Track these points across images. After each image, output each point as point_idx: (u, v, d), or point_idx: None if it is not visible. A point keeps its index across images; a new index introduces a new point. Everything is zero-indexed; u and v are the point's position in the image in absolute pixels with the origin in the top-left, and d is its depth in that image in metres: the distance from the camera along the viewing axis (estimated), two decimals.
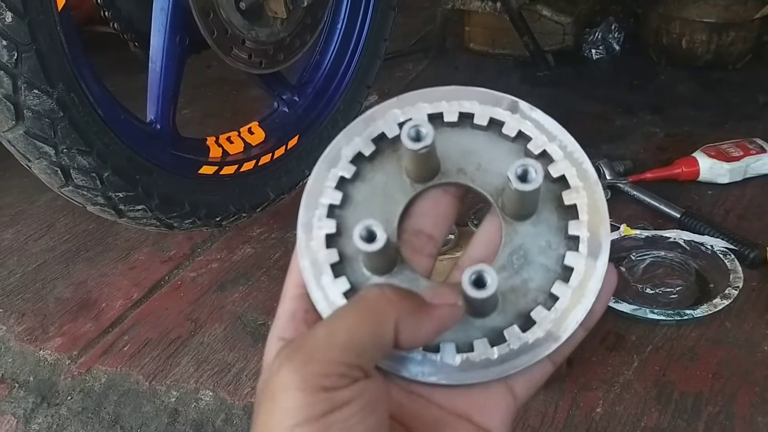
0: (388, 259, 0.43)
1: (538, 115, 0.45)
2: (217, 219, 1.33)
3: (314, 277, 0.43)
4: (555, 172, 0.44)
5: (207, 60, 1.59)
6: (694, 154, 1.53)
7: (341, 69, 1.54)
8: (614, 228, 1.32)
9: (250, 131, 1.43)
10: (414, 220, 0.45)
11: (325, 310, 0.43)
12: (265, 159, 1.41)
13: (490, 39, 2.24)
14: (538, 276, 0.43)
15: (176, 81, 1.24)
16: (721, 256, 1.25)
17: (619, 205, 1.45)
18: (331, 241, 0.44)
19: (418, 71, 2.21)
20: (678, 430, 0.99)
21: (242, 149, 1.40)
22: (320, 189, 0.45)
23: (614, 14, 2.25)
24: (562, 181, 0.44)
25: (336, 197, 0.44)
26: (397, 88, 2.03)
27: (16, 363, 1.22)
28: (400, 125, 0.44)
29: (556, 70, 2.14)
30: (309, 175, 0.45)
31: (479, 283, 0.39)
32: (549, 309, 0.42)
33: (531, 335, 0.42)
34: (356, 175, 0.45)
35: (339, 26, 1.53)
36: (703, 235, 1.30)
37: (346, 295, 0.43)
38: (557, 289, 0.43)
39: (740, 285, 1.18)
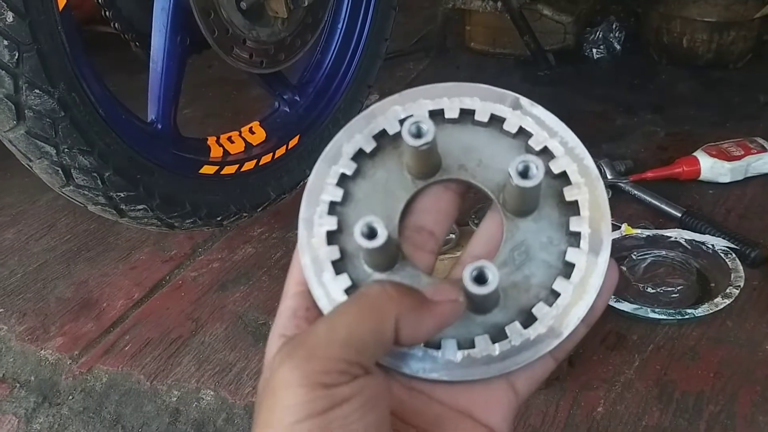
0: (389, 256, 0.43)
1: (539, 111, 0.45)
2: (218, 219, 1.33)
3: (315, 274, 0.43)
4: (556, 168, 0.44)
5: (208, 60, 1.59)
6: (695, 154, 1.53)
7: (342, 68, 1.54)
8: (615, 227, 1.32)
9: (251, 131, 1.43)
10: (415, 217, 0.45)
11: (326, 307, 0.43)
12: (266, 159, 1.41)
13: (490, 38, 2.24)
14: (540, 272, 0.43)
15: (177, 81, 1.24)
16: (722, 255, 1.25)
17: (620, 205, 1.45)
18: (332, 238, 0.44)
19: (418, 70, 2.21)
20: (679, 429, 0.99)
21: (243, 149, 1.40)
22: (321, 186, 0.44)
23: (615, 13, 2.25)
24: (564, 178, 0.44)
25: (337, 194, 0.44)
26: (398, 88, 2.00)
27: (17, 363, 1.22)
28: (401, 122, 0.44)
29: (556, 70, 2.14)
30: (310, 174, 0.45)
31: (480, 279, 0.39)
32: (550, 305, 0.42)
33: (532, 331, 0.42)
34: (357, 172, 0.45)
35: (340, 26, 1.53)
36: (705, 234, 1.30)
37: (348, 292, 0.43)
38: (559, 285, 0.43)
39: (741, 284, 1.18)
